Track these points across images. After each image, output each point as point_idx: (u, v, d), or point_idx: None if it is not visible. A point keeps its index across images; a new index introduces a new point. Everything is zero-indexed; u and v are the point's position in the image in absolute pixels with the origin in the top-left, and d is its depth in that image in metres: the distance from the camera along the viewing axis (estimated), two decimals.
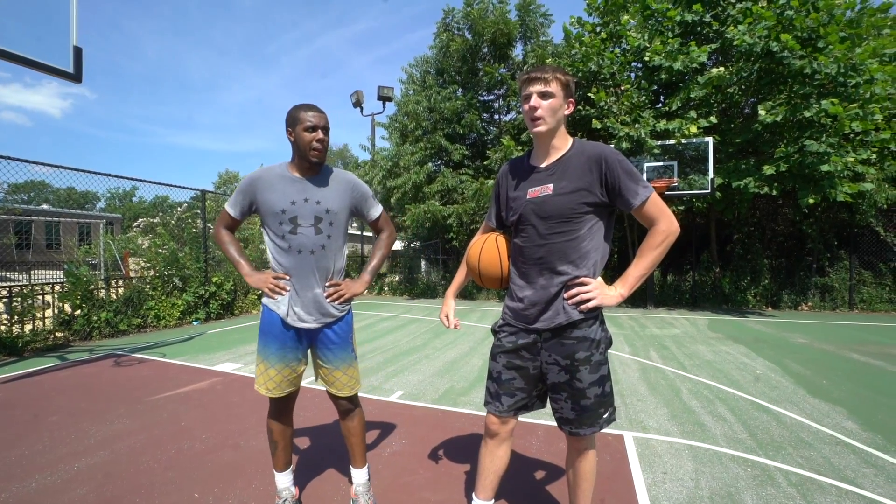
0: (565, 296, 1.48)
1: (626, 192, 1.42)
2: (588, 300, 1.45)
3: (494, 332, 1.67)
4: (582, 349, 1.47)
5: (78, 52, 3.63)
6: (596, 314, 1.50)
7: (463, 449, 2.65)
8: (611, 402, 1.54)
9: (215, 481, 2.27)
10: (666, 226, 1.42)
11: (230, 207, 1.91)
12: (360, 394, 3.62)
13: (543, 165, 1.55)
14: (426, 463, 2.48)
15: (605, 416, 1.52)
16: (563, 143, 1.54)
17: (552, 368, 1.52)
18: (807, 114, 7.30)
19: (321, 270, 1.84)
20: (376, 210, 2.03)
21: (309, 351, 1.95)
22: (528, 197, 1.53)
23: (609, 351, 1.59)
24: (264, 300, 1.88)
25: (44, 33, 3.76)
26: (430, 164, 12.07)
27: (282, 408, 1.94)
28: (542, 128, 1.48)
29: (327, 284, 1.86)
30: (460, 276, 1.87)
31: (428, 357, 4.98)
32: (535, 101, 1.46)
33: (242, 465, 2.42)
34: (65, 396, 3.57)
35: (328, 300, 1.85)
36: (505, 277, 1.66)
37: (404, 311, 9.14)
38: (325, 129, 1.80)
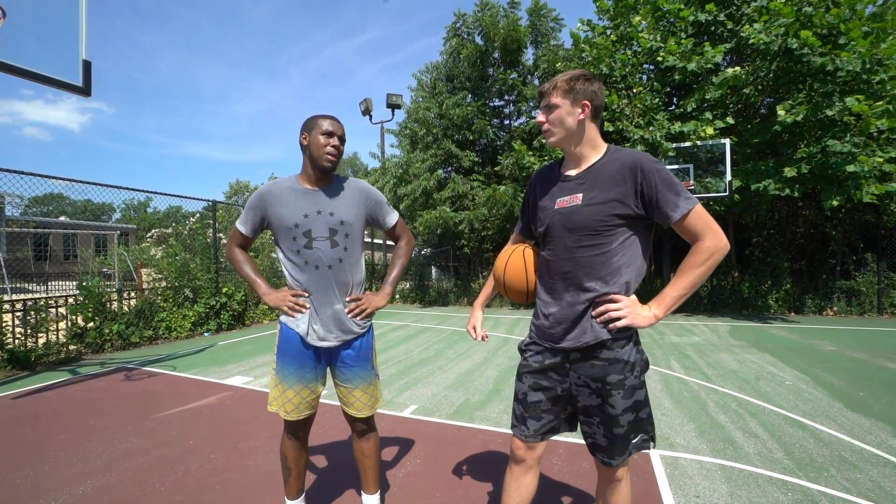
0: (593, 313, 1.35)
1: (665, 204, 1.29)
2: (617, 318, 1.32)
3: (521, 350, 1.56)
4: (614, 372, 1.35)
5: (87, 66, 3.62)
6: (629, 334, 1.37)
7: (481, 469, 2.52)
8: (643, 427, 1.41)
9: None
10: (712, 242, 1.28)
11: (241, 225, 1.84)
12: None
13: (574, 174, 1.43)
14: (442, 485, 2.35)
15: (634, 441, 1.39)
16: (594, 150, 1.42)
17: (582, 391, 1.40)
18: (829, 112, 7.06)
19: (340, 285, 1.75)
20: (392, 217, 1.94)
21: (328, 370, 1.86)
22: (555, 207, 1.42)
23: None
24: (282, 318, 1.80)
25: (54, 48, 3.77)
26: (440, 171, 12.01)
27: (298, 431, 1.84)
28: (551, 139, 1.43)
29: (348, 300, 1.78)
30: (488, 287, 1.76)
31: (441, 368, 4.86)
32: (540, 116, 1.44)
33: (251, 488, 2.32)
34: (74, 413, 3.52)
35: (349, 316, 1.77)
36: (531, 292, 1.55)
37: (416, 319, 9.04)
38: (342, 139, 1.75)
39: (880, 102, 6.88)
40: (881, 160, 7.05)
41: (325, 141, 1.71)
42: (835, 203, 7.41)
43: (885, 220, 8.89)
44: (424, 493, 2.27)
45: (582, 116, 1.38)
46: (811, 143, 7.61)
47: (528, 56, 12.35)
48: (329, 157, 1.71)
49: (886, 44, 6.99)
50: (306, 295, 1.74)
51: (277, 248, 1.80)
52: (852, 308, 8.93)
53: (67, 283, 14.09)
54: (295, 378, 1.76)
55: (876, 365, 4.78)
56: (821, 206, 8.21)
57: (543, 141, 1.44)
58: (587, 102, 1.38)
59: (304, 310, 1.73)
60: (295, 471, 1.87)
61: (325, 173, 1.76)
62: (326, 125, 1.72)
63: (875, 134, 7.39)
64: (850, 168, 6.98)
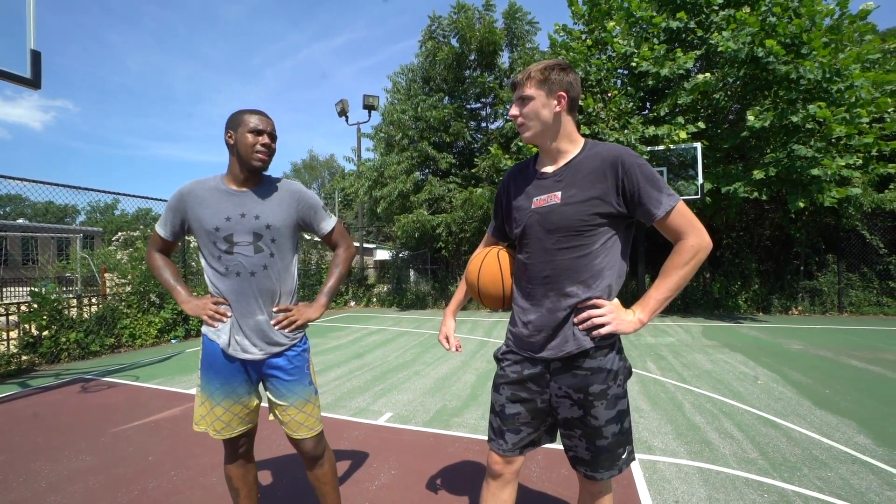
0: (575, 320, 1.28)
1: (647, 201, 1.23)
2: (601, 325, 1.26)
3: (497, 359, 1.48)
4: (597, 381, 1.28)
5: (36, 57, 3.38)
6: (612, 341, 1.31)
7: (458, 479, 2.44)
8: (629, 439, 1.35)
9: None
10: (695, 241, 1.22)
11: (160, 227, 1.69)
12: (346, 417, 3.41)
13: (550, 171, 1.35)
14: (418, 497, 2.26)
15: (623, 457, 1.33)
16: (572, 146, 1.34)
17: (563, 402, 1.33)
18: (794, 119, 7.33)
19: (264, 294, 1.60)
20: (328, 223, 1.78)
21: (261, 386, 1.70)
22: (532, 207, 1.34)
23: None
24: (203, 329, 1.64)
25: (1, 39, 3.51)
26: (417, 174, 11.91)
27: (238, 449, 1.69)
28: (526, 133, 1.34)
29: (275, 310, 1.63)
30: (460, 293, 1.67)
31: (418, 373, 4.75)
32: (513, 109, 1.35)
33: None
34: (20, 430, 3.26)
35: (277, 328, 1.62)
36: (507, 297, 1.46)
37: (393, 323, 8.90)
38: (272, 136, 1.60)
39: (840, 109, 7.18)
40: (842, 164, 7.36)
41: (254, 140, 1.56)
42: (801, 204, 7.68)
43: (844, 222, 9.30)
44: None
45: (558, 109, 1.30)
46: (777, 148, 7.88)
47: (504, 59, 12.41)
48: (259, 156, 1.57)
49: (844, 54, 7.31)
50: (228, 303, 1.60)
51: (199, 253, 1.66)
52: (815, 307, 9.29)
53: (25, 289, 13.31)
54: (223, 393, 1.60)
55: (840, 363, 4.94)
56: (786, 209, 8.52)
57: (520, 142, 1.33)
58: (563, 94, 1.30)
59: (225, 319, 1.59)
60: (244, 490, 1.73)
61: (255, 174, 1.62)
62: (254, 122, 1.57)
63: (834, 140, 7.72)
64: (814, 172, 7.26)
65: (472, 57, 12.02)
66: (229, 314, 1.59)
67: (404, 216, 11.19)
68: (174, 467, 2.61)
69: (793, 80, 7.39)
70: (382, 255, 17.43)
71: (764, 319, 8.51)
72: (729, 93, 8.77)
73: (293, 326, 1.64)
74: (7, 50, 3.52)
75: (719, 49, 7.87)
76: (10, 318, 5.50)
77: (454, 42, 11.98)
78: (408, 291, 12.46)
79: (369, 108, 13.58)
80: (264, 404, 1.71)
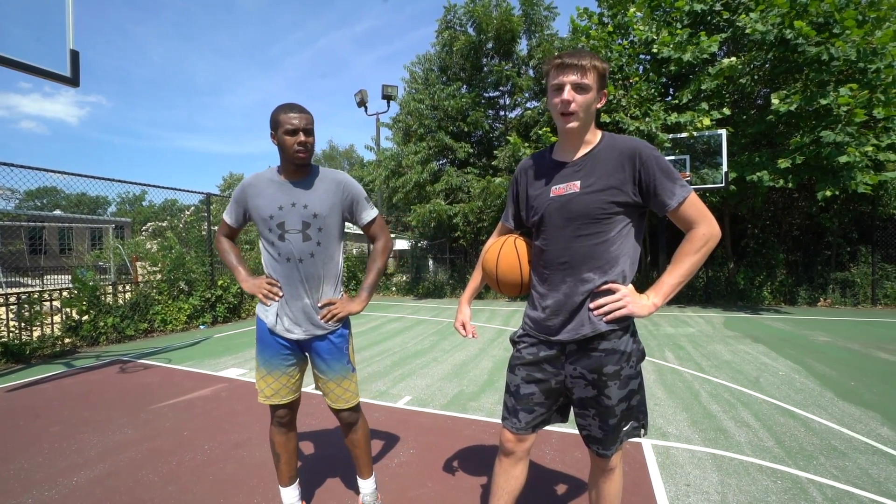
0: (591, 305, 1.34)
1: (662, 192, 1.28)
2: (616, 310, 1.31)
3: (513, 342, 1.55)
4: (611, 363, 1.34)
5: (75, 56, 3.56)
6: (627, 325, 1.37)
7: (474, 459, 2.54)
8: (633, 415, 1.40)
9: (215, 496, 2.17)
10: (706, 230, 1.28)
11: (227, 216, 1.92)
12: (366, 400, 3.55)
13: (570, 160, 1.40)
14: (435, 475, 2.37)
15: (624, 429, 1.40)
16: (593, 137, 1.39)
17: (578, 383, 1.39)
18: (823, 102, 7.04)
19: (310, 279, 1.76)
20: (369, 214, 1.87)
21: (307, 357, 1.89)
22: (551, 195, 1.39)
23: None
24: (257, 308, 1.84)
25: (42, 38, 3.70)
26: (434, 164, 11.93)
27: (283, 416, 1.87)
28: (574, 124, 1.31)
29: (320, 305, 1.78)
30: (475, 281, 1.74)
31: (436, 360, 4.87)
32: (568, 93, 1.28)
33: (244, 479, 2.33)
34: (68, 405, 3.51)
35: (323, 320, 1.78)
36: (525, 284, 1.52)
37: (412, 311, 9.05)
38: (307, 131, 1.70)
39: (865, 92, 6.87)
40: (870, 148, 7.05)
41: (292, 140, 1.67)
42: (828, 193, 7.41)
43: (880, 210, 8.93)
44: (417, 483, 2.28)
45: (599, 106, 1.36)
46: (806, 134, 7.60)
47: (522, 46, 12.24)
48: (299, 155, 1.69)
49: (881, 32, 6.95)
50: (280, 286, 1.77)
51: (259, 239, 1.85)
52: (847, 299, 8.99)
53: (63, 276, 14.02)
54: (273, 364, 1.80)
55: (869, 356, 4.82)
56: (816, 197, 8.23)
57: (565, 128, 1.30)
58: (605, 91, 1.37)
59: (277, 298, 1.76)
60: (284, 456, 1.89)
61: (300, 167, 1.75)
62: (289, 123, 1.66)
63: (871, 123, 7.38)
64: (843, 158, 6.98)
65: (490, 45, 11.89)
66: (281, 294, 1.76)
67: (420, 206, 11.26)
68: (207, 441, 2.79)
69: (824, 61, 7.08)
70: (401, 244, 17.61)
71: (789, 311, 8.30)
72: (756, 77, 8.47)
73: (336, 318, 1.79)
74: (48, 50, 3.71)
75: (747, 31, 7.60)
76: (53, 303, 5.85)
77: (471, 30, 11.87)
78: (426, 280, 12.60)
79: (388, 97, 13.63)
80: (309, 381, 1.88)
